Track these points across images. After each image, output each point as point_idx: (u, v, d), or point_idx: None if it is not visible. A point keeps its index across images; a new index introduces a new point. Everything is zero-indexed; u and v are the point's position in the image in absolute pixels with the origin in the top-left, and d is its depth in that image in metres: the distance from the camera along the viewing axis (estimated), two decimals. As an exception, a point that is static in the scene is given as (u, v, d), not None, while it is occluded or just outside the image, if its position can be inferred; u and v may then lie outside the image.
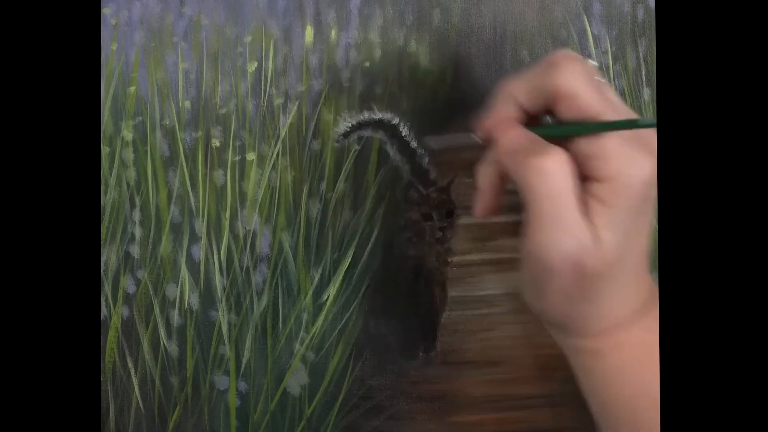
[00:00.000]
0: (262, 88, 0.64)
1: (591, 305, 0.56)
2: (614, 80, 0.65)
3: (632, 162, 0.53)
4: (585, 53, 0.65)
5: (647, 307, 0.57)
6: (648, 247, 0.56)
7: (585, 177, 0.55)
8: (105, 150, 0.64)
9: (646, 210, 0.55)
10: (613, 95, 0.55)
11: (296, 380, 0.65)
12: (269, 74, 0.64)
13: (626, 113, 0.55)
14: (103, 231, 0.64)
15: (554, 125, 0.54)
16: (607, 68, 0.65)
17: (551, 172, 0.54)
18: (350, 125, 0.62)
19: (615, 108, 0.54)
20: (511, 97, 0.56)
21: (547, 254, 0.55)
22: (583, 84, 0.54)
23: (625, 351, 0.56)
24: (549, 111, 0.55)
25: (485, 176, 0.57)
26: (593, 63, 0.55)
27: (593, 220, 0.55)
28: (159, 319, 0.65)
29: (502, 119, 0.56)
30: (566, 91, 0.54)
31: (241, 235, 0.65)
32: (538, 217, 0.54)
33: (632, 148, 0.53)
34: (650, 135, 0.55)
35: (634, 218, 0.54)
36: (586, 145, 0.54)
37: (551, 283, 0.56)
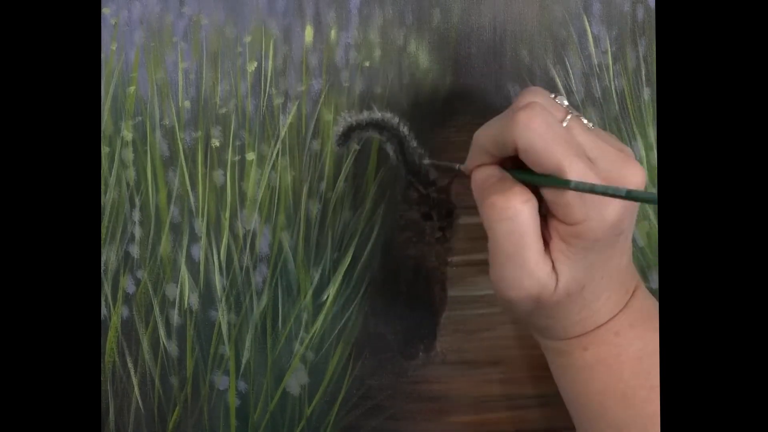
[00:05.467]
0: (262, 87, 0.64)
1: (553, 321, 0.57)
2: (614, 80, 0.65)
3: (595, 210, 0.53)
4: (585, 53, 0.65)
5: (616, 310, 0.57)
6: (622, 263, 0.56)
7: (550, 214, 0.55)
8: (105, 150, 0.64)
9: (615, 241, 0.55)
10: (584, 137, 0.54)
11: (296, 380, 0.66)
12: (269, 74, 0.64)
13: (601, 149, 0.54)
14: (103, 231, 0.64)
15: (529, 173, 0.54)
16: (607, 68, 0.65)
17: (512, 211, 0.54)
18: (350, 125, 0.62)
19: (581, 153, 0.53)
20: (480, 146, 0.57)
21: (506, 291, 0.56)
22: (540, 140, 0.52)
23: (592, 351, 0.57)
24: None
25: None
26: (562, 102, 0.55)
27: (553, 254, 0.55)
28: (159, 319, 0.65)
29: (476, 161, 0.57)
30: (524, 147, 0.53)
31: (240, 235, 0.65)
32: (498, 255, 0.55)
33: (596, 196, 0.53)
34: (625, 169, 0.54)
35: (599, 251, 0.54)
36: (551, 190, 0.54)
37: (511, 310, 0.57)
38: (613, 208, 0.53)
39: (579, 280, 0.54)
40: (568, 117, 0.54)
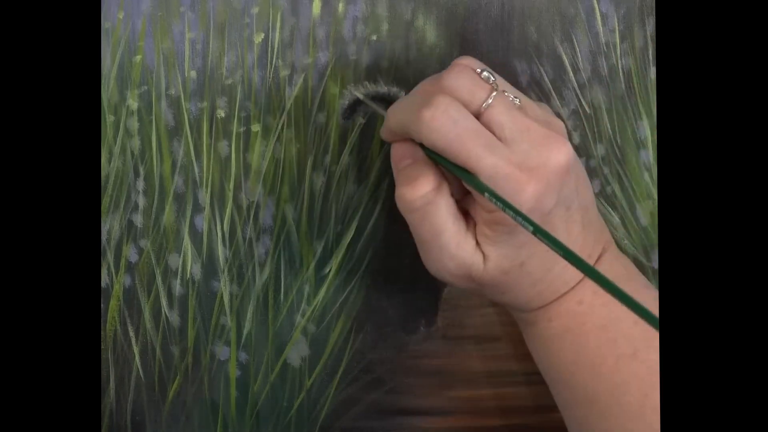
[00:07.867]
0: (269, 59, 0.64)
1: (509, 296, 0.57)
2: (621, 59, 0.65)
3: (508, 196, 0.50)
4: (593, 31, 0.65)
5: (577, 279, 0.56)
6: (573, 232, 0.54)
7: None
8: (110, 119, 0.64)
9: (548, 218, 0.52)
10: (506, 116, 0.51)
11: (297, 352, 0.66)
12: (276, 46, 0.64)
13: (523, 129, 0.51)
14: (107, 199, 0.64)
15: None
16: (615, 47, 0.65)
17: (419, 202, 0.53)
18: (355, 98, 0.61)
19: (494, 144, 0.51)
20: (392, 126, 0.55)
21: (437, 272, 0.56)
22: (444, 140, 0.50)
23: (557, 321, 0.57)
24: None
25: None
26: (488, 78, 0.53)
27: (478, 236, 0.54)
28: (161, 289, 0.65)
29: (390, 137, 0.56)
30: (429, 145, 0.52)
31: (244, 207, 0.65)
32: (417, 241, 0.56)
33: (507, 180, 0.50)
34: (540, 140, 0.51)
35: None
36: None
37: (458, 288, 0.57)
38: (531, 187, 0.50)
39: (511, 258, 0.53)
40: (493, 95, 0.52)
